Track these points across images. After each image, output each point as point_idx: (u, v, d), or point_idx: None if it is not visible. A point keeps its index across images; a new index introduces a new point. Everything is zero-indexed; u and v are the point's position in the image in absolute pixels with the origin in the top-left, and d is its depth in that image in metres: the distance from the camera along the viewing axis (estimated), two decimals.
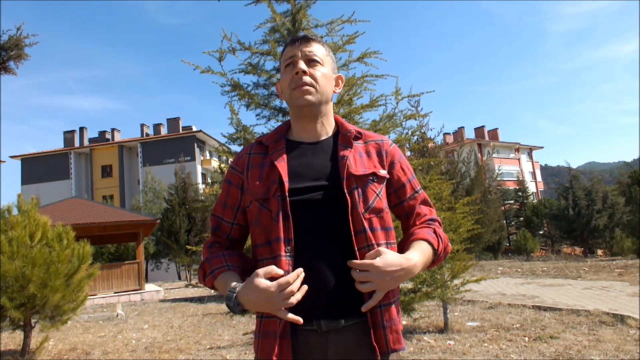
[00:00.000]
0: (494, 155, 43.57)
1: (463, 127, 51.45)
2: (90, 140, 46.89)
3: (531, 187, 45.09)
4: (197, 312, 9.79)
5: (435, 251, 1.19)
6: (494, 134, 55.36)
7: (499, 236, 22.74)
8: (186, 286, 18.49)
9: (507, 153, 53.20)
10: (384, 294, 1.08)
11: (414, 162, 5.44)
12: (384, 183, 1.22)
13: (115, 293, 13.99)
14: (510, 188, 37.15)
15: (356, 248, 1.09)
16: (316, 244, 1.10)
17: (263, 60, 5.15)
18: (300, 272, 1.05)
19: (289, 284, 1.02)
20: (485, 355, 4.51)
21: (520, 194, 36.51)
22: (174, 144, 40.45)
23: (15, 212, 5.77)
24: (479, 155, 40.50)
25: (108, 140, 45.98)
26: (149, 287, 15.88)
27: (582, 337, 4.88)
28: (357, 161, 1.19)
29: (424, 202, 1.29)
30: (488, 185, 23.31)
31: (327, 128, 1.26)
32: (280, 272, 1.05)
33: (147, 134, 47.17)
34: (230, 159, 5.47)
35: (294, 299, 1.02)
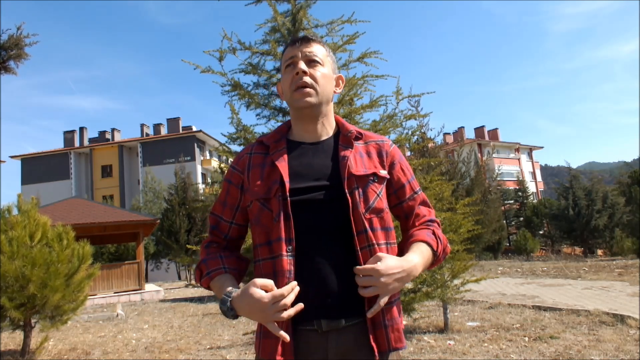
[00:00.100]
0: (494, 155, 43.55)
1: (463, 127, 51.49)
2: (90, 140, 46.88)
3: (531, 187, 45.10)
4: (197, 312, 9.79)
5: (434, 252, 1.20)
6: (494, 134, 55.37)
7: (499, 236, 22.74)
8: (186, 286, 18.50)
9: (507, 153, 53.21)
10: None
11: (414, 162, 5.43)
12: (384, 183, 1.22)
13: (115, 293, 13.99)
14: (510, 188, 37.15)
15: (357, 248, 1.10)
16: (317, 244, 1.10)
17: (263, 60, 5.15)
18: (294, 286, 1.05)
19: (283, 296, 1.02)
20: (485, 355, 4.51)
21: (520, 194, 36.51)
22: (174, 144, 40.46)
23: (15, 212, 5.77)
24: (479, 155, 40.51)
25: (108, 140, 45.98)
26: (149, 287, 15.88)
27: (582, 337, 4.88)
28: (357, 161, 1.19)
29: (423, 203, 1.30)
30: (488, 185, 23.32)
31: (327, 128, 1.26)
32: (274, 288, 1.05)
33: (147, 134, 47.18)
34: (231, 159, 5.47)
35: (285, 314, 1.02)
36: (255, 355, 1.17)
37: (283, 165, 1.17)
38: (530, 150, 57.25)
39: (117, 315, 9.86)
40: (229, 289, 1.10)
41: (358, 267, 1.07)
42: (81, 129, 45.91)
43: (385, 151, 1.25)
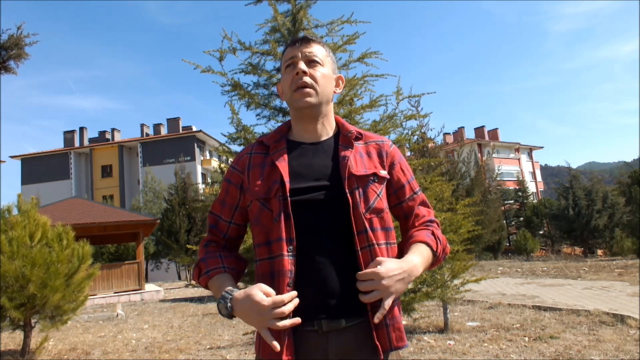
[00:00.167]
0: (494, 155, 43.61)
1: (463, 127, 51.48)
2: (90, 140, 46.89)
3: (531, 187, 45.10)
4: (197, 312, 9.79)
5: (434, 253, 1.20)
6: (494, 134, 55.37)
7: (499, 236, 22.75)
8: (186, 286, 18.50)
9: (507, 153, 53.21)
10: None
11: (414, 162, 5.43)
12: (385, 183, 1.23)
13: (115, 293, 13.99)
14: (510, 188, 37.16)
15: (357, 248, 1.10)
16: (317, 244, 1.10)
17: (263, 60, 5.15)
18: (294, 296, 1.05)
19: (283, 303, 1.02)
20: (485, 355, 4.51)
21: (520, 194, 36.52)
22: (174, 144, 40.47)
23: (15, 212, 5.77)
24: (479, 155, 40.51)
25: (108, 140, 45.99)
26: (149, 287, 15.89)
27: (582, 337, 4.88)
28: (357, 161, 1.19)
29: (423, 203, 1.30)
30: (488, 185, 23.34)
31: (327, 128, 1.26)
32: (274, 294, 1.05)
33: (147, 134, 47.18)
34: (231, 159, 5.47)
35: (280, 324, 1.02)
36: (255, 355, 1.17)
37: (283, 165, 1.17)
38: (530, 150, 57.26)
39: (117, 315, 9.87)
40: (229, 288, 1.10)
41: (359, 272, 1.07)
42: (81, 129, 45.93)
43: (385, 151, 1.26)
